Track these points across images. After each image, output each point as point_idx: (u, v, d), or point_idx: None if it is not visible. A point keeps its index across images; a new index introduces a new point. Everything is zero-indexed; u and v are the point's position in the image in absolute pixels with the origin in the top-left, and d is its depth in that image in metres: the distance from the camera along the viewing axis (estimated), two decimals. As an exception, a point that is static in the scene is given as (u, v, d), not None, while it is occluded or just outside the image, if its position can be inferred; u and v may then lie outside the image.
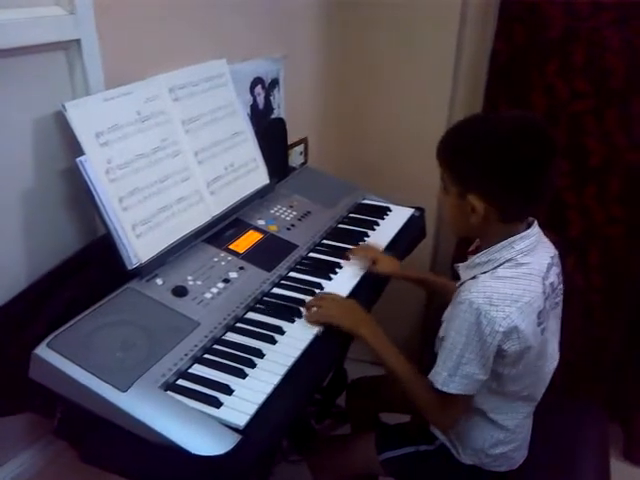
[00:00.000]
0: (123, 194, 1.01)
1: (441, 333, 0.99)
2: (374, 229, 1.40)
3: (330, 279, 1.18)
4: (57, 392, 0.85)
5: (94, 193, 0.97)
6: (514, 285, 0.93)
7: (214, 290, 1.05)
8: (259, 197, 1.36)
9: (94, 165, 0.97)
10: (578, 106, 1.56)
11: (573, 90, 1.55)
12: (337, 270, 1.21)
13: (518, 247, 0.96)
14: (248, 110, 1.47)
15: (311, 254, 1.26)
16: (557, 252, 1.04)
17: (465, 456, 1.09)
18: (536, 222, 1.00)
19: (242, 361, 0.92)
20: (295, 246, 1.25)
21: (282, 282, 1.15)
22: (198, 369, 0.91)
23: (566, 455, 1.19)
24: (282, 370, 0.92)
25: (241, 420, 0.81)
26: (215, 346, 0.96)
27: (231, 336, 0.99)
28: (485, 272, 0.97)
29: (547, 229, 1.04)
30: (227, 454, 0.76)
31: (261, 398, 0.85)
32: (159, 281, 1.03)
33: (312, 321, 1.03)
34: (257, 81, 1.51)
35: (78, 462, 0.92)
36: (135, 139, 1.06)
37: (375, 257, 1.25)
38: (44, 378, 0.86)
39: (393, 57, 1.76)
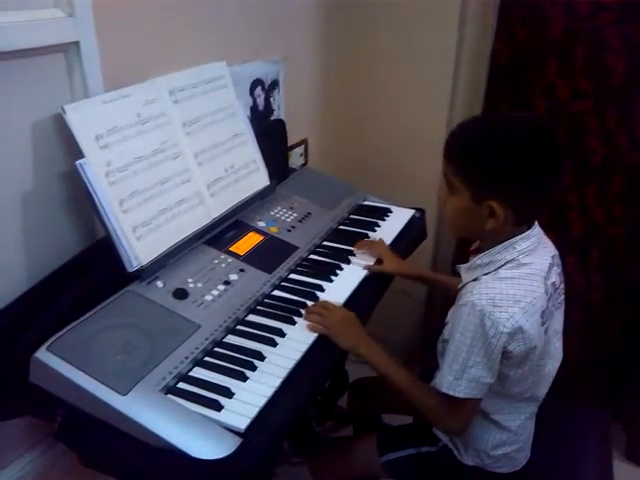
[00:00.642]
0: (123, 196, 1.01)
1: (445, 335, 0.99)
2: (375, 230, 1.40)
3: (331, 281, 1.17)
4: (57, 396, 0.85)
5: (94, 196, 0.97)
6: (516, 286, 0.93)
7: (215, 292, 1.05)
8: (259, 199, 1.36)
9: (94, 168, 0.97)
10: (578, 106, 1.56)
11: (573, 90, 1.55)
12: (338, 272, 1.21)
13: (519, 248, 0.96)
14: (248, 112, 1.47)
15: (312, 256, 1.26)
16: (557, 252, 1.04)
17: (467, 457, 1.09)
18: (537, 222, 1.00)
19: (243, 364, 0.92)
20: (296, 248, 1.25)
21: (283, 284, 1.15)
22: (199, 372, 0.90)
23: (568, 456, 1.19)
24: (283, 373, 0.91)
25: (242, 423, 0.81)
26: (216, 349, 0.96)
27: (232, 339, 0.99)
28: (487, 273, 0.97)
29: (548, 229, 1.03)
30: (228, 457, 0.76)
31: (262, 401, 0.85)
32: (159, 283, 1.03)
33: (311, 330, 1.03)
34: (257, 83, 1.51)
35: (78, 465, 0.92)
36: (135, 141, 1.05)
37: (380, 255, 1.26)
38: (44, 382, 0.86)
39: (393, 57, 1.76)
